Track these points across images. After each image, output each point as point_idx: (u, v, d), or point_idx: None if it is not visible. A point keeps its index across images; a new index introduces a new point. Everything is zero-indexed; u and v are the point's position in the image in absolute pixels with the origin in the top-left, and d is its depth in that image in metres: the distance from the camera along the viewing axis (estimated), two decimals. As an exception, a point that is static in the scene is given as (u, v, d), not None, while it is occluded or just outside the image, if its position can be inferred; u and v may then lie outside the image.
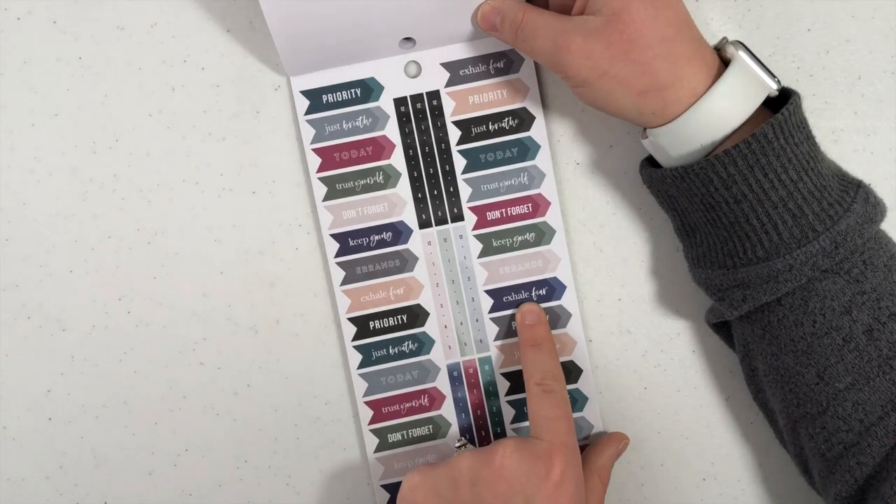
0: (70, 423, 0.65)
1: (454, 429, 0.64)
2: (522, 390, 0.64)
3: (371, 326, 0.64)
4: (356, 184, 0.63)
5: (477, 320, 0.64)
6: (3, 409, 0.65)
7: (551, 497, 0.55)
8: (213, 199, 0.64)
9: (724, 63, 0.55)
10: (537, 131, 0.63)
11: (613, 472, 0.65)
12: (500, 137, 0.63)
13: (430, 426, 0.64)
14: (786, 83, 0.56)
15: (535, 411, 0.59)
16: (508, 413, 0.64)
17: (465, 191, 0.63)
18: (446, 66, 0.63)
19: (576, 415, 0.64)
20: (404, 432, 0.64)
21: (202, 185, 0.64)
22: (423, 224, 0.63)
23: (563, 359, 0.64)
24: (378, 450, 0.64)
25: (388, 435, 0.64)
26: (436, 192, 0.63)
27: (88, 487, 0.66)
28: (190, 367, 0.65)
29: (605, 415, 0.65)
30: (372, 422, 0.64)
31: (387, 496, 0.65)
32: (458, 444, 0.62)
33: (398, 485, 0.64)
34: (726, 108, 0.53)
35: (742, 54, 0.54)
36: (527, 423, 0.64)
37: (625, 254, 0.65)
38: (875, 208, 0.55)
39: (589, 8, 0.54)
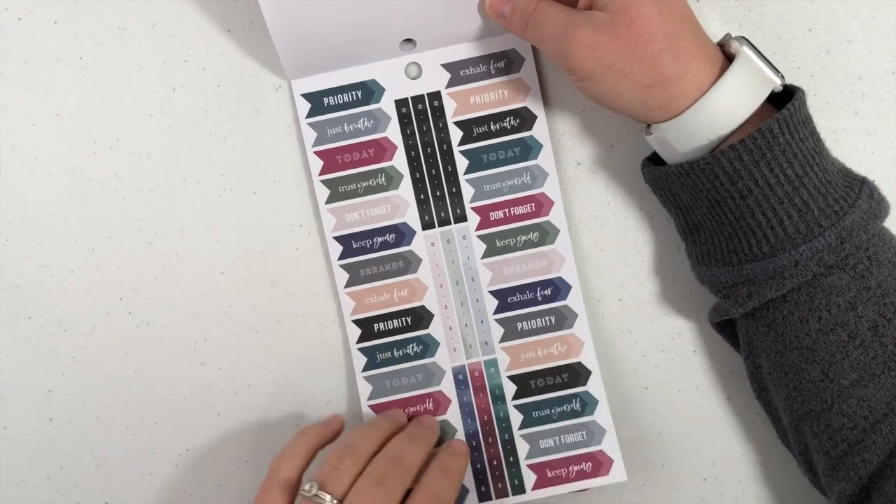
0: (70, 424, 0.65)
1: (460, 434, 0.64)
2: (530, 394, 0.64)
3: (375, 328, 0.64)
4: (358, 186, 0.63)
5: (482, 322, 0.63)
6: (3, 409, 0.65)
7: None
8: (213, 199, 0.64)
9: (729, 59, 0.55)
10: (539, 130, 0.63)
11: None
12: (502, 137, 0.63)
13: None
14: (788, 82, 0.56)
15: None
16: (516, 418, 0.64)
17: (467, 191, 0.63)
18: (447, 66, 0.63)
19: (585, 419, 0.64)
20: None
21: (203, 185, 0.64)
22: (426, 225, 0.63)
23: (570, 361, 0.64)
24: None
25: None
26: (438, 193, 0.63)
27: (89, 488, 0.66)
28: (190, 367, 0.65)
29: (607, 415, 0.65)
30: None
31: None
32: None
33: None
34: (732, 102, 0.53)
35: (747, 50, 0.54)
36: (536, 429, 0.64)
37: (625, 254, 0.65)
38: (879, 204, 0.55)
39: (596, 3, 0.54)
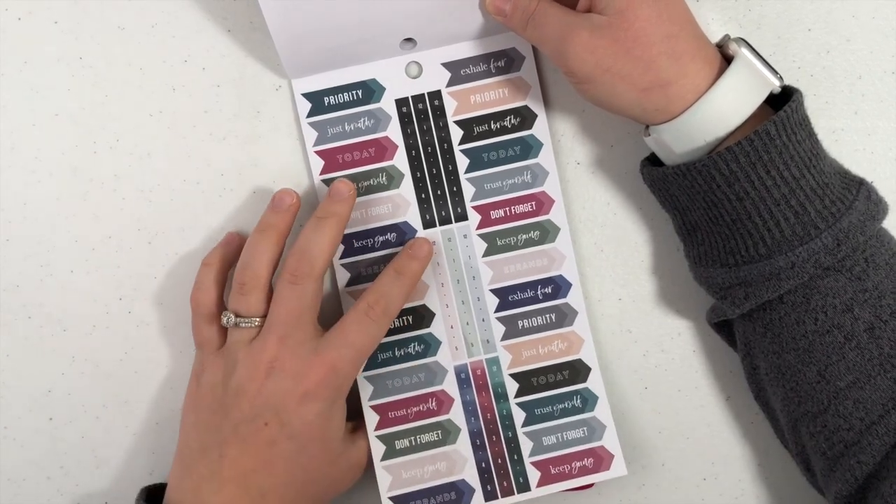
0: (70, 424, 0.65)
1: (463, 433, 0.63)
2: (532, 391, 0.64)
3: None
4: (360, 185, 0.63)
5: (483, 320, 0.63)
6: (3, 409, 0.65)
7: (298, 412, 0.57)
8: (213, 199, 0.64)
9: (727, 60, 0.55)
10: (539, 129, 0.63)
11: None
12: (503, 136, 0.63)
13: (439, 431, 0.63)
14: (786, 83, 0.56)
15: (344, 322, 0.59)
16: (519, 416, 0.63)
17: (468, 190, 0.63)
18: (447, 65, 0.63)
19: (586, 415, 0.64)
20: (412, 438, 0.63)
21: (203, 185, 0.64)
22: (427, 224, 0.63)
23: (570, 358, 0.64)
24: (385, 458, 0.63)
25: (396, 441, 0.63)
26: (439, 192, 0.63)
27: (89, 487, 0.66)
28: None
29: (606, 415, 0.65)
30: (378, 427, 0.63)
31: None
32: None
33: (407, 495, 0.63)
34: (730, 104, 0.54)
35: (745, 51, 0.54)
36: (538, 426, 0.63)
37: (625, 254, 0.65)
38: (877, 206, 0.55)
39: (595, 6, 0.54)
